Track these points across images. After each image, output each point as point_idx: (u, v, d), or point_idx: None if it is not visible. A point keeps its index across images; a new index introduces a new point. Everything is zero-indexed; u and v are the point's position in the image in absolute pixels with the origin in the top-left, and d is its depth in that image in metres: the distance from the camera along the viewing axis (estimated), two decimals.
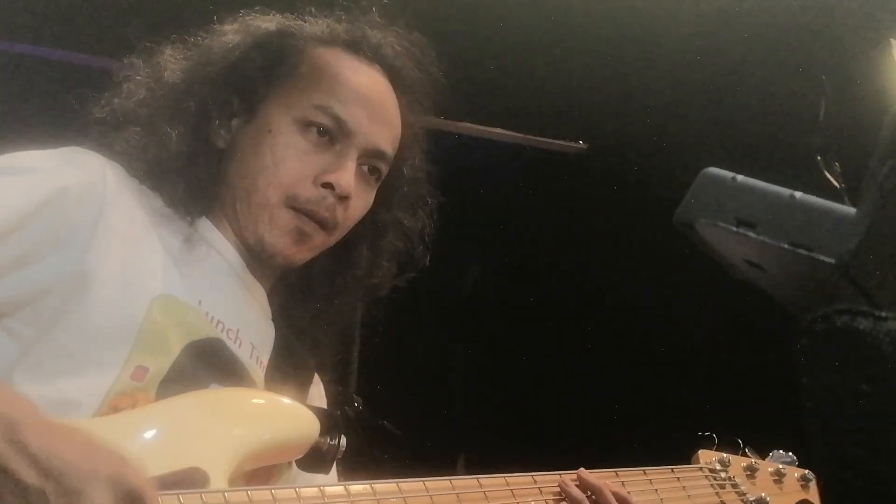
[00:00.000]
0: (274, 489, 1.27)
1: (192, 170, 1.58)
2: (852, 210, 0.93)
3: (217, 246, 1.59)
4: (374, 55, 1.69)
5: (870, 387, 0.73)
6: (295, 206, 1.57)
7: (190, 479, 1.24)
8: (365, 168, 1.64)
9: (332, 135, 1.59)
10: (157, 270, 1.45)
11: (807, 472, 2.02)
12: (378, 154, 1.65)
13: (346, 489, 1.33)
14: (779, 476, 1.98)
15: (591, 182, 4.94)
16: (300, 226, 1.57)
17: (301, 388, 1.64)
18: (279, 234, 1.57)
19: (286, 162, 1.56)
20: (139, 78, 1.65)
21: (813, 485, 2.02)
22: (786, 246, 0.98)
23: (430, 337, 5.71)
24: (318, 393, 1.74)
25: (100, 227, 1.38)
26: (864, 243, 0.84)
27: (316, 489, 1.30)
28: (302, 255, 1.62)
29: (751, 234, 1.02)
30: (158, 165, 1.55)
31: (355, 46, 1.69)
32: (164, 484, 1.20)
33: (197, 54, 1.67)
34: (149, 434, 1.28)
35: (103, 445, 1.07)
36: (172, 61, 1.66)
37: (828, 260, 0.92)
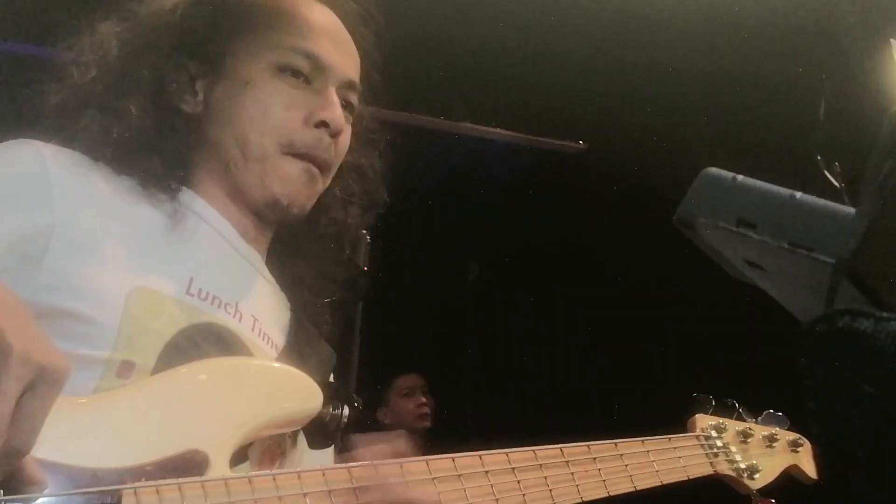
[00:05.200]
0: (276, 474, 1.24)
1: (164, 142, 1.51)
2: (852, 210, 0.92)
3: (206, 216, 1.52)
4: None
5: (871, 388, 0.73)
6: (293, 152, 1.53)
7: (190, 463, 1.21)
8: (342, 102, 1.60)
9: (306, 74, 1.56)
10: (129, 262, 1.38)
11: (798, 436, 2.03)
12: (351, 85, 1.63)
13: (348, 472, 1.31)
14: (771, 441, 2.00)
15: (591, 182, 4.94)
16: (306, 169, 1.54)
17: (323, 366, 1.58)
18: (290, 184, 1.52)
19: (274, 109, 1.52)
20: (84, 58, 1.56)
21: (802, 449, 2.04)
22: (786, 246, 0.97)
23: (430, 336, 5.71)
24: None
25: (56, 229, 1.32)
26: (864, 243, 0.83)
27: (319, 472, 1.27)
28: (311, 200, 1.58)
29: (751, 234, 1.01)
30: (124, 145, 1.47)
31: None
32: (162, 469, 1.17)
33: (138, 23, 1.59)
34: (144, 415, 1.22)
35: (24, 324, 1.04)
36: (114, 35, 1.58)
37: (828, 260, 0.91)
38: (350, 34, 1.65)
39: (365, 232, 2.82)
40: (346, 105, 1.62)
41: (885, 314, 0.74)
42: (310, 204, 1.58)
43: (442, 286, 5.89)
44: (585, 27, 3.94)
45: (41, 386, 1.01)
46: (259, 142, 1.51)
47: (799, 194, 0.98)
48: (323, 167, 1.56)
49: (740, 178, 1.04)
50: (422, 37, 3.78)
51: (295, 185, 1.53)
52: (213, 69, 1.56)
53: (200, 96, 1.56)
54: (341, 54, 1.60)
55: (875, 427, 0.71)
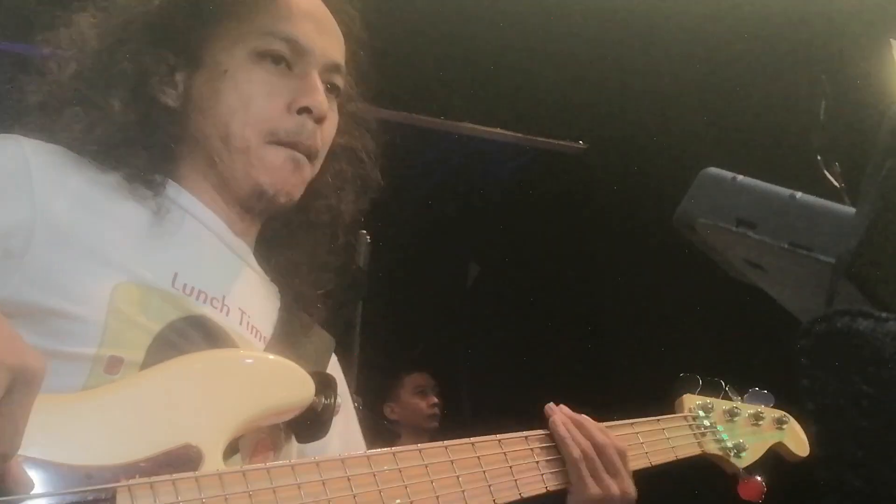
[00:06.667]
0: (270, 467, 1.24)
1: (148, 136, 1.47)
2: (852, 210, 0.92)
3: (192, 210, 1.49)
4: None
5: (870, 388, 0.73)
6: (276, 141, 1.49)
7: (183, 457, 1.19)
8: (327, 85, 1.56)
9: (287, 59, 1.52)
10: (113, 256, 1.35)
11: (783, 414, 2.03)
12: (335, 67, 1.58)
13: (342, 461, 1.31)
14: (756, 420, 2.00)
15: (591, 182, 4.95)
16: (291, 157, 1.50)
17: (320, 353, 1.57)
18: (275, 172, 1.49)
19: (255, 98, 1.48)
20: (63, 52, 1.52)
21: (788, 427, 2.04)
22: (786, 246, 0.97)
23: (429, 336, 5.71)
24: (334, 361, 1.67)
25: (38, 224, 1.30)
26: (864, 243, 0.83)
27: (313, 464, 1.27)
28: (299, 188, 1.54)
29: (751, 234, 1.01)
30: (108, 141, 1.44)
31: None
32: (156, 465, 1.16)
33: (115, 15, 1.54)
34: (135, 411, 1.21)
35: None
36: (92, 27, 1.53)
37: (828, 260, 0.92)
38: (333, 14, 1.61)
39: (365, 232, 2.82)
40: (332, 88, 1.58)
41: (884, 314, 0.74)
42: (297, 192, 1.54)
43: (442, 286, 5.89)
44: (585, 27, 3.94)
45: (18, 389, 0.99)
46: (241, 132, 1.48)
47: (799, 194, 0.98)
48: (309, 154, 1.52)
49: (740, 178, 1.04)
50: (422, 37, 3.78)
51: (280, 174, 1.50)
52: (191, 60, 1.52)
53: (181, 88, 1.52)
54: (323, 36, 1.56)
55: (874, 427, 0.72)
